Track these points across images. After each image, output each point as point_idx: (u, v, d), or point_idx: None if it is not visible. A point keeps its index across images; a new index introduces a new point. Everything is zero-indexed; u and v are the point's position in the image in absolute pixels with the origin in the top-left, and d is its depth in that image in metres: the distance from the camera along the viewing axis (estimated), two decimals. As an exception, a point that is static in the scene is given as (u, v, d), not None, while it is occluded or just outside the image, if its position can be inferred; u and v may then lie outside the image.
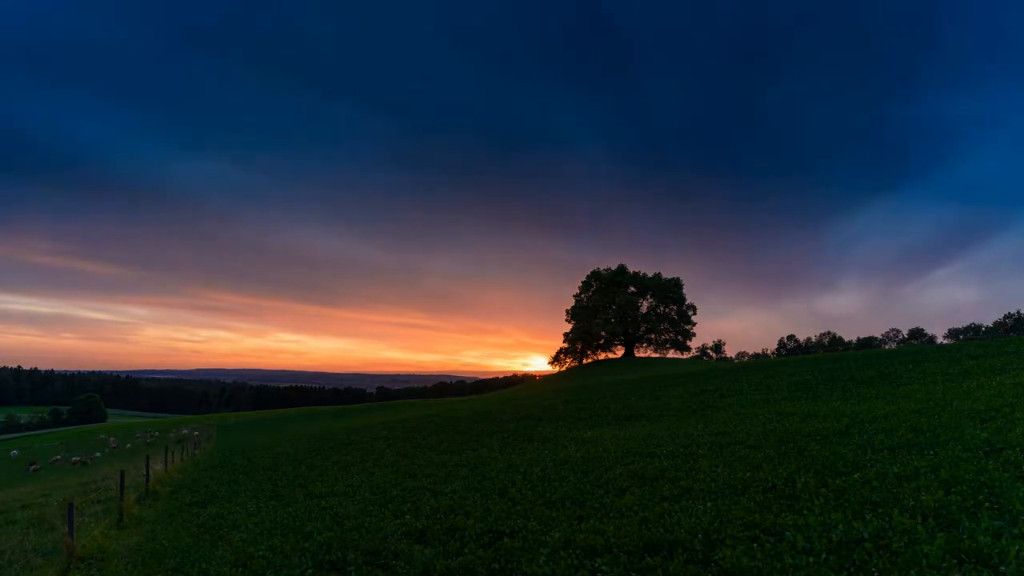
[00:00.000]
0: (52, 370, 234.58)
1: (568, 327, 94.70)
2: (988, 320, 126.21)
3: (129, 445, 46.09)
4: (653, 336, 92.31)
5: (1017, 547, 4.74)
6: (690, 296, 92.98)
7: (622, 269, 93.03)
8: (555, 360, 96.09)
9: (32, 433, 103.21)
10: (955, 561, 4.78)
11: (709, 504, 7.47)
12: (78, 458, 37.50)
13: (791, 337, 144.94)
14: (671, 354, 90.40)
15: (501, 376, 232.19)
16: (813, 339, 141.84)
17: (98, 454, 40.18)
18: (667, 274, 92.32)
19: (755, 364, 39.29)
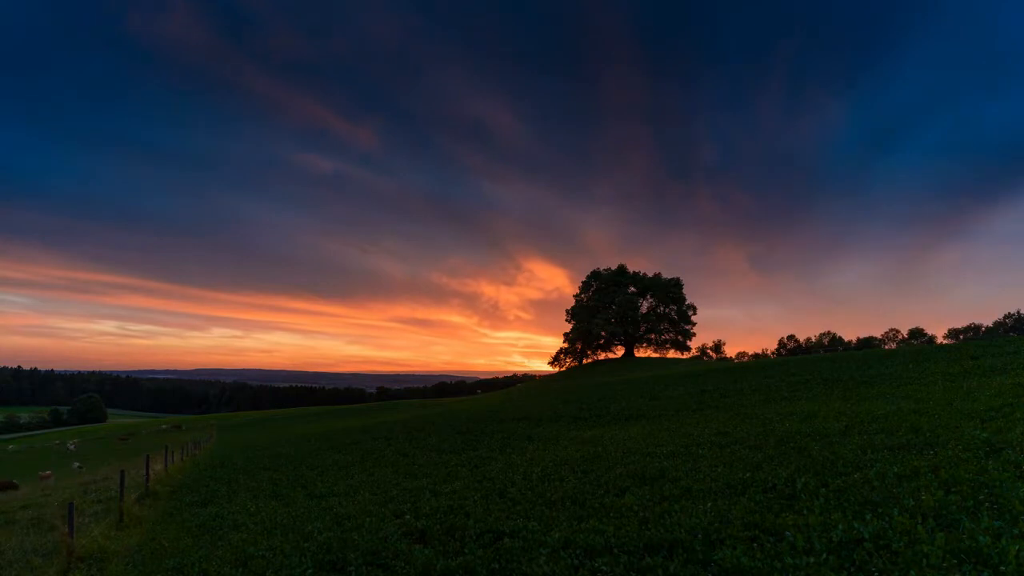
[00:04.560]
0: (52, 370, 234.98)
1: (569, 327, 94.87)
2: (989, 320, 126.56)
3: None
4: (653, 336, 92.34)
5: (1017, 547, 4.73)
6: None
7: (622, 269, 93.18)
8: (555, 360, 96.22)
9: (32, 433, 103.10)
10: (955, 561, 4.78)
11: (709, 504, 7.46)
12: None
13: (791, 337, 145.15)
14: (671, 354, 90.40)
15: (501, 376, 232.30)
16: (813, 339, 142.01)
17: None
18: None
19: (755, 364, 39.29)
